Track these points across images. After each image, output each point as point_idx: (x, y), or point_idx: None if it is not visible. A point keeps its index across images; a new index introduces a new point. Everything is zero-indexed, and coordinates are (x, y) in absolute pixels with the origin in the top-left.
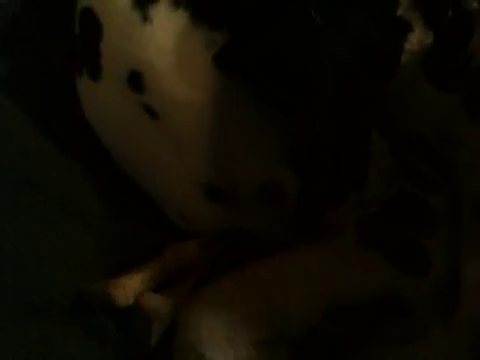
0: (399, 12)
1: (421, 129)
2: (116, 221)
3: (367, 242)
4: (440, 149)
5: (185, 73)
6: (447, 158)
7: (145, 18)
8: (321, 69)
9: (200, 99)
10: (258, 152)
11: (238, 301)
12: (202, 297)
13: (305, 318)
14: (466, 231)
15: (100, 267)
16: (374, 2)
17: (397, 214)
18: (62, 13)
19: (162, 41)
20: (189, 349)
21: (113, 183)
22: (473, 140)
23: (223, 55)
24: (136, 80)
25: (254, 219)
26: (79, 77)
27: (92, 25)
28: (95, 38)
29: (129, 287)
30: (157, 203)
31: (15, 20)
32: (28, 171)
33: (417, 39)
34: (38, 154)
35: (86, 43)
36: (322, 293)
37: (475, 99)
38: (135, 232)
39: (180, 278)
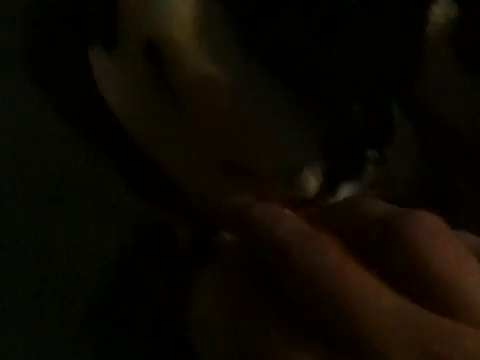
0: None
1: (450, 113)
2: (139, 210)
3: None
4: (469, 133)
5: (206, 46)
6: (476, 143)
7: None
8: (354, 49)
9: (220, 74)
10: (285, 133)
11: None
12: (214, 269)
13: None
14: None
15: (138, 263)
16: None
17: (424, 196)
18: None
19: (181, 11)
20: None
21: (134, 166)
22: None
23: (243, 30)
24: (153, 52)
25: (273, 197)
26: (93, 50)
27: None
28: (110, 8)
29: None
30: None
31: None
32: (46, 158)
33: (442, 11)
34: (39, 133)
35: (100, 14)
36: None
37: None
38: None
39: None
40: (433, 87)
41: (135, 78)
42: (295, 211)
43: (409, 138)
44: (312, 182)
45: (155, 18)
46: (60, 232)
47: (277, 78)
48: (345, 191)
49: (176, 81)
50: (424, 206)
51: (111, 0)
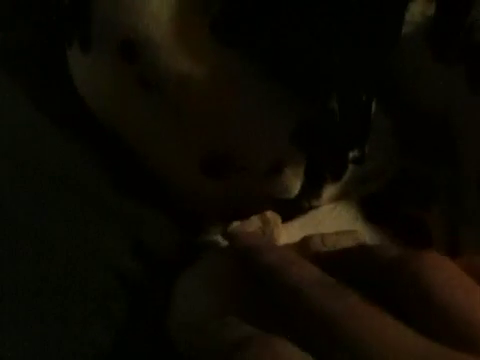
0: None
1: (426, 104)
2: (122, 204)
3: (373, 219)
4: (444, 125)
5: (182, 44)
6: (450, 134)
7: None
8: (330, 43)
9: (199, 71)
10: (263, 130)
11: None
12: (195, 270)
13: None
14: (470, 207)
15: (106, 253)
16: None
17: (400, 191)
18: None
19: (156, 9)
20: (183, 324)
21: (116, 162)
22: (475, 114)
23: (219, 24)
24: (128, 50)
25: (255, 199)
26: (69, 49)
27: None
28: (85, 6)
29: None
30: (160, 181)
31: None
32: (28, 153)
33: (419, 10)
34: (36, 134)
35: (75, 12)
36: None
37: (477, 74)
38: (146, 215)
39: None
40: (411, 77)
41: (111, 76)
42: (279, 212)
43: (387, 134)
44: (294, 182)
45: (132, 16)
46: (60, 232)
47: (257, 73)
48: (328, 192)
49: (152, 76)
50: (401, 200)
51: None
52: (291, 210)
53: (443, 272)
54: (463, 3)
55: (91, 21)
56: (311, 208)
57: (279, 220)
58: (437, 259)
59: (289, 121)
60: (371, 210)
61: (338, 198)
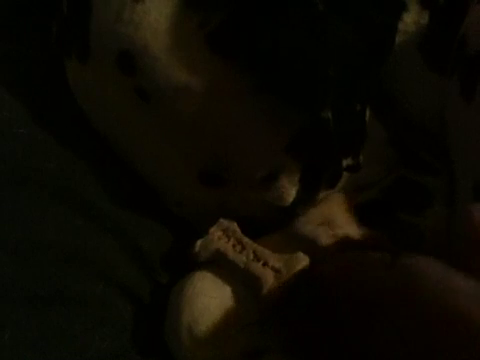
0: None
1: (420, 113)
2: (119, 213)
3: (366, 225)
4: (438, 133)
5: (179, 55)
6: (444, 142)
7: None
8: (326, 54)
9: (195, 83)
10: (258, 140)
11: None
12: (194, 277)
13: None
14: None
15: (105, 261)
16: None
17: (396, 197)
18: None
19: (155, 21)
20: (183, 330)
21: (112, 172)
22: (468, 124)
23: (217, 36)
24: (127, 62)
25: (251, 205)
26: (68, 61)
27: (81, 4)
28: (84, 18)
29: None
30: (156, 190)
31: None
32: (27, 162)
33: (412, 19)
34: (34, 143)
35: (74, 24)
36: None
37: (470, 84)
38: (140, 225)
39: None
40: (405, 87)
41: (109, 87)
42: (274, 218)
43: (383, 143)
44: (290, 190)
45: (130, 28)
46: (58, 239)
47: (252, 85)
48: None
49: (150, 88)
50: (396, 206)
51: (84, 11)
52: (286, 217)
53: None
54: (456, 13)
55: (89, 32)
56: None
57: (235, 223)
58: None
59: (285, 131)
60: (365, 215)
61: None
